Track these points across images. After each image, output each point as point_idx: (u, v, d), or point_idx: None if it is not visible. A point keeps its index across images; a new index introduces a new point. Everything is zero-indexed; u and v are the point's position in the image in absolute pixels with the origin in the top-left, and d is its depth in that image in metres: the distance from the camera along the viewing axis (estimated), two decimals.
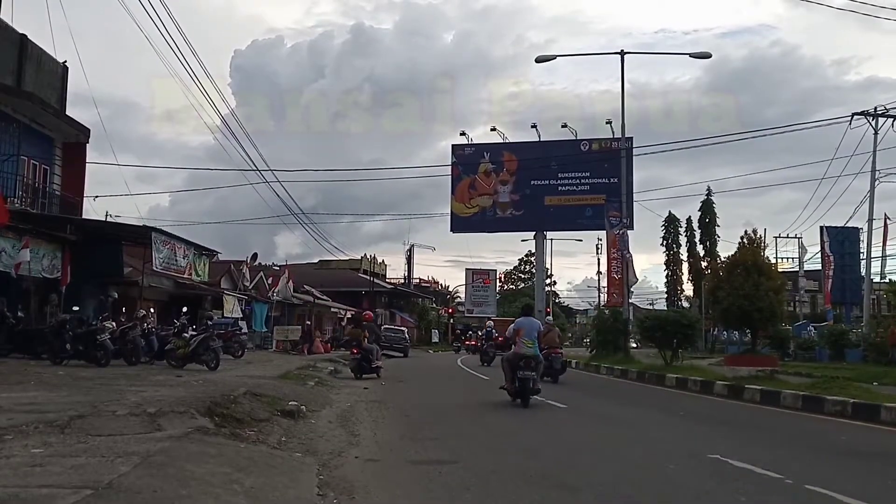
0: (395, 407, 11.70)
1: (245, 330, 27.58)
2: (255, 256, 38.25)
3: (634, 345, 33.89)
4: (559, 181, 39.62)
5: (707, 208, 57.04)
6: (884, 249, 34.64)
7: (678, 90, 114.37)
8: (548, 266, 56.42)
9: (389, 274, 71.33)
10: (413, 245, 69.84)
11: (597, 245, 57.60)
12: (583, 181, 39.34)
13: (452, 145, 42.43)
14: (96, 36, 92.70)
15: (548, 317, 17.83)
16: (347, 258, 59.36)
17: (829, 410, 11.14)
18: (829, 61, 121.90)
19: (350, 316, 22.99)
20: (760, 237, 24.40)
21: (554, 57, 29.67)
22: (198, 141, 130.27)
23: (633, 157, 35.41)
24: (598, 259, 59.32)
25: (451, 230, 41.36)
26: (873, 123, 29.40)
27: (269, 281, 37.28)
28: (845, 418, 10.60)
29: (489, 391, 16.35)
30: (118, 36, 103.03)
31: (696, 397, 14.67)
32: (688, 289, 59.59)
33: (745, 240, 23.38)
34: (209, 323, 18.01)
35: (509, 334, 13.19)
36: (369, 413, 10.59)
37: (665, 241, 59.97)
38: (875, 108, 29.51)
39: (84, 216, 22.51)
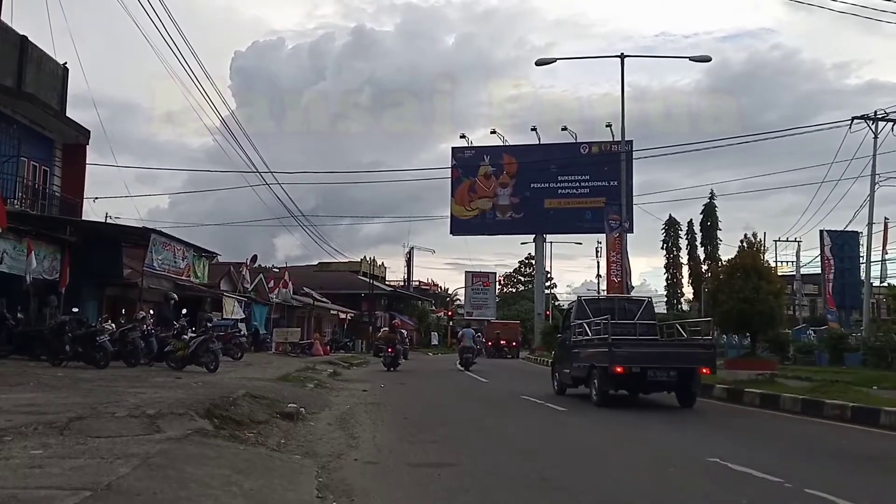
0: (395, 409, 11.70)
1: (244, 331, 27.55)
2: (254, 258, 38.19)
3: None
4: (559, 184, 39.72)
5: (709, 211, 57.06)
6: (883, 253, 34.65)
7: (678, 93, 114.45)
8: (547, 269, 56.45)
9: (389, 276, 71.35)
10: (413, 247, 69.89)
11: (596, 248, 57.56)
12: (582, 184, 39.44)
13: (452, 148, 42.60)
14: (96, 37, 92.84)
15: (469, 328, 28.72)
16: (347, 260, 59.39)
17: (828, 414, 11.13)
18: (830, 65, 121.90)
19: (388, 323, 33.18)
20: (760, 241, 24.39)
21: (554, 60, 29.72)
22: (198, 142, 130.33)
23: (633, 160, 35.44)
24: (598, 262, 59.27)
25: (450, 232, 41.55)
26: (873, 127, 29.43)
27: (270, 284, 37.30)
28: (844, 422, 10.59)
29: (488, 393, 16.39)
30: (118, 37, 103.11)
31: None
32: (688, 292, 59.62)
33: (744, 243, 23.38)
34: (208, 325, 17.98)
35: (459, 336, 27.64)
36: (368, 415, 10.59)
37: (665, 245, 60.01)
38: (875, 111, 29.52)
39: (84, 217, 22.52)
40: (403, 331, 43.65)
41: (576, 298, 16.88)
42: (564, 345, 15.46)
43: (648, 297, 17.57)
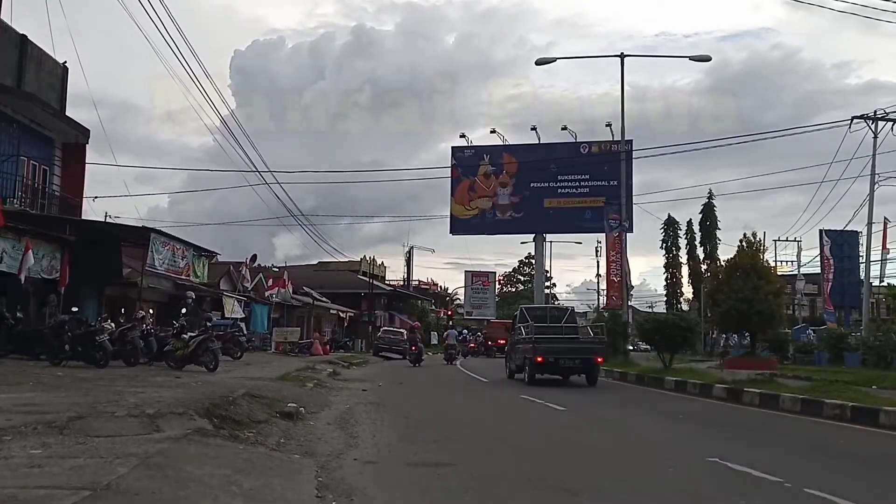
0: (394, 408, 11.70)
1: (244, 331, 27.53)
2: (254, 258, 38.19)
3: (631, 347, 33.87)
4: (559, 183, 39.63)
5: (708, 211, 57.08)
6: (883, 253, 34.65)
7: (678, 93, 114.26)
8: (547, 268, 56.46)
9: (389, 276, 71.29)
10: (412, 247, 69.82)
11: (596, 248, 57.58)
12: (582, 184, 39.36)
13: (452, 147, 42.45)
14: (96, 36, 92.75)
15: (453, 329, 36.24)
16: (347, 260, 59.33)
17: (827, 414, 11.13)
18: (830, 65, 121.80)
19: (409, 326, 37.43)
20: (760, 240, 24.36)
21: (554, 59, 29.78)
22: (198, 142, 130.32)
23: (633, 160, 35.39)
24: (598, 262, 59.26)
25: (450, 232, 41.39)
26: (873, 127, 29.44)
27: (269, 283, 37.33)
28: (844, 422, 10.59)
29: (487, 392, 16.40)
30: (118, 36, 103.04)
31: (695, 400, 14.65)
32: (687, 292, 59.61)
33: (744, 243, 23.35)
34: (208, 324, 17.97)
35: (445, 336, 35.42)
36: (368, 415, 10.58)
37: (664, 244, 59.98)
38: (875, 111, 29.53)
39: (83, 217, 22.52)
40: (403, 330, 44.06)
41: (519, 308, 22.83)
42: (511, 342, 20.82)
43: (571, 307, 26.86)
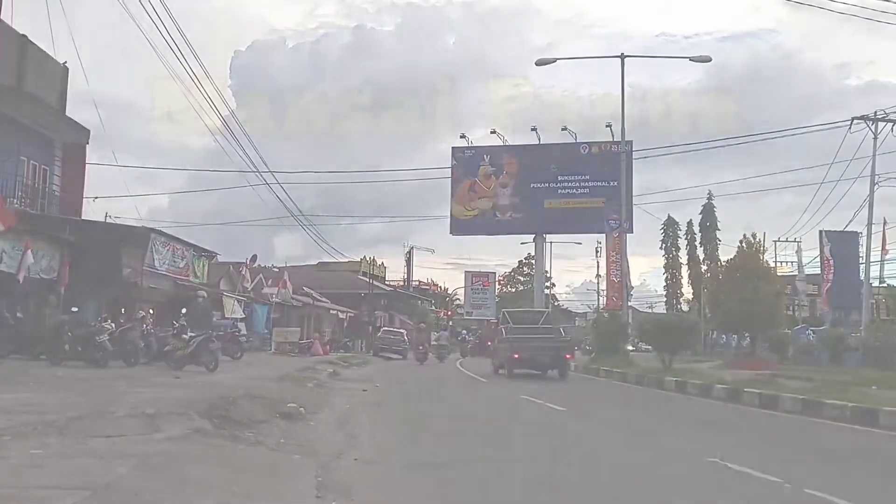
0: (394, 409, 11.71)
1: (244, 331, 27.49)
2: (254, 258, 38.06)
3: (631, 347, 33.86)
4: (559, 184, 39.55)
5: (708, 212, 57.06)
6: (883, 254, 34.62)
7: (679, 93, 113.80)
8: (547, 269, 56.28)
9: (389, 276, 71.21)
10: (412, 247, 69.71)
11: (596, 248, 57.52)
12: (582, 184, 39.28)
13: (452, 148, 42.33)
14: (96, 36, 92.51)
15: (445, 331, 39.98)
16: (347, 260, 59.25)
17: (827, 414, 11.11)
18: (830, 66, 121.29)
19: (417, 328, 39.87)
20: (759, 241, 24.38)
21: (554, 60, 29.83)
22: (198, 142, 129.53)
23: (633, 160, 35.35)
24: (598, 262, 59.27)
25: (450, 233, 41.30)
26: (873, 128, 29.39)
27: (269, 283, 37.29)
28: (844, 422, 10.58)
29: (487, 393, 16.39)
30: (118, 36, 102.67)
31: (696, 400, 14.65)
32: (687, 292, 59.58)
33: (744, 244, 23.34)
34: None
35: (437, 337, 37.81)
36: (368, 415, 10.58)
37: (664, 245, 59.99)
38: (875, 112, 29.47)
39: (84, 217, 22.51)
40: (403, 330, 44.13)
41: (502, 312, 25.85)
42: (496, 341, 23.79)
43: (548, 310, 31.19)
